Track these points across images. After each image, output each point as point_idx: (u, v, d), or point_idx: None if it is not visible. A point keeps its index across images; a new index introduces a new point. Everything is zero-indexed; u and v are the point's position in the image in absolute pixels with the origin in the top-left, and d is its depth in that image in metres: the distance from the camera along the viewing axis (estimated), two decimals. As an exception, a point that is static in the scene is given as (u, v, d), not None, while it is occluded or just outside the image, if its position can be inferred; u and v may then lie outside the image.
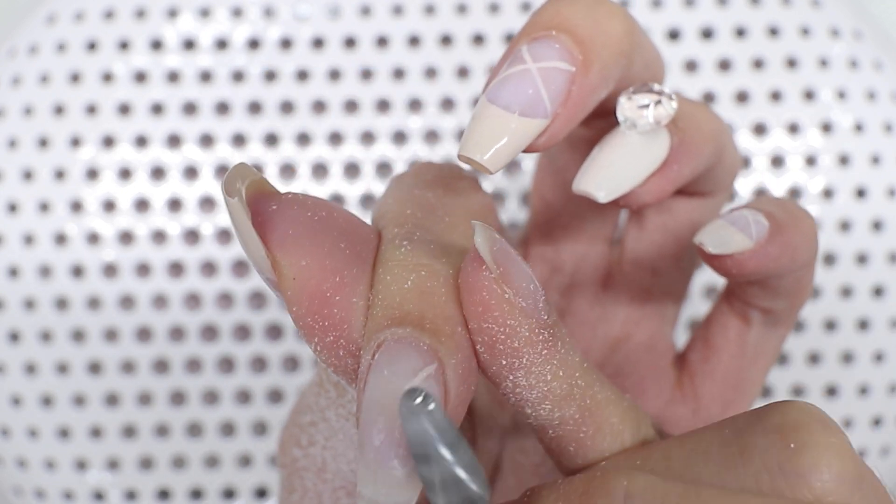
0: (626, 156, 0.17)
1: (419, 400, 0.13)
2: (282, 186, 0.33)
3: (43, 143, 0.33)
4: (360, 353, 0.15)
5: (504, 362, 0.15)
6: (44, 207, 0.32)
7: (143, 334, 0.33)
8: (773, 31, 0.33)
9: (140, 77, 0.33)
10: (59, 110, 0.33)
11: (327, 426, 0.18)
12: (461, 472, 0.13)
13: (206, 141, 0.33)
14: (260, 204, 0.15)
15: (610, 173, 0.17)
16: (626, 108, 0.18)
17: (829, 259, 0.33)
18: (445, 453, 0.13)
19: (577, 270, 0.23)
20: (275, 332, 0.33)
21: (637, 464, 0.16)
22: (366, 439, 0.13)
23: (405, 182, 0.18)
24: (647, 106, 0.18)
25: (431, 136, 0.33)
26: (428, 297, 0.15)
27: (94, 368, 0.33)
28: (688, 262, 0.22)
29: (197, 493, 0.33)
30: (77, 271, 0.32)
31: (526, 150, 0.16)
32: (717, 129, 0.19)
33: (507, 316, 0.14)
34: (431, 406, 0.13)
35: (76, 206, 0.32)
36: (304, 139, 0.33)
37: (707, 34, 0.33)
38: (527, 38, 0.16)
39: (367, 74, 0.33)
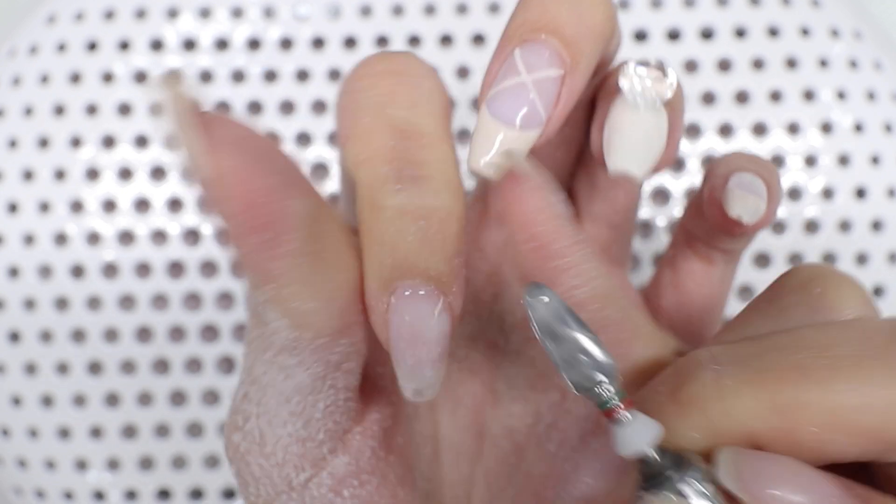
0: (648, 131, 0.19)
1: (539, 295, 0.15)
2: (282, 186, 0.33)
3: (43, 143, 0.33)
4: (292, 253, 0.15)
5: (555, 264, 0.17)
6: (44, 207, 0.32)
7: (143, 334, 0.33)
8: (773, 32, 0.33)
9: (140, 77, 0.33)
10: (59, 110, 0.33)
11: (257, 388, 0.18)
12: (587, 344, 0.15)
13: (207, 141, 0.33)
14: (194, 111, 0.15)
15: (640, 150, 0.19)
16: (635, 85, 0.19)
17: (829, 259, 0.33)
18: (569, 331, 0.15)
19: None
20: (275, 332, 0.33)
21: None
22: (400, 362, 0.16)
23: (363, 94, 0.18)
24: (653, 82, 0.19)
25: (431, 136, 0.33)
26: (429, 246, 0.16)
27: (95, 368, 0.33)
28: (635, 212, 0.24)
29: (197, 493, 0.33)
30: (77, 271, 0.32)
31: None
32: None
33: (552, 219, 0.16)
34: (547, 298, 0.15)
35: (76, 206, 0.32)
36: (304, 139, 0.33)
37: (707, 34, 0.33)
38: (518, 41, 0.18)
39: (367, 74, 0.33)
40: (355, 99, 0.18)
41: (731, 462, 0.15)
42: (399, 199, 0.16)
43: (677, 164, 0.33)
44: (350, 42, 0.34)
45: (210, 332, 0.33)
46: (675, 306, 0.23)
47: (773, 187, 0.20)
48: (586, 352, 0.15)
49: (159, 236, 0.33)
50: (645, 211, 0.33)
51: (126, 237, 0.33)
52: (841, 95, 0.33)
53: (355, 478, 0.19)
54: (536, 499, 0.21)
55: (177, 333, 0.33)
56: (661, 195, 0.33)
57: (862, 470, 0.16)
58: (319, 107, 0.33)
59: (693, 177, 0.33)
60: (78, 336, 0.32)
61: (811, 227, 0.33)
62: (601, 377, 0.15)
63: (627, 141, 0.19)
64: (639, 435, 0.15)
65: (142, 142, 0.33)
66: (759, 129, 0.33)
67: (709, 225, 0.22)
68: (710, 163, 0.23)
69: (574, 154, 0.22)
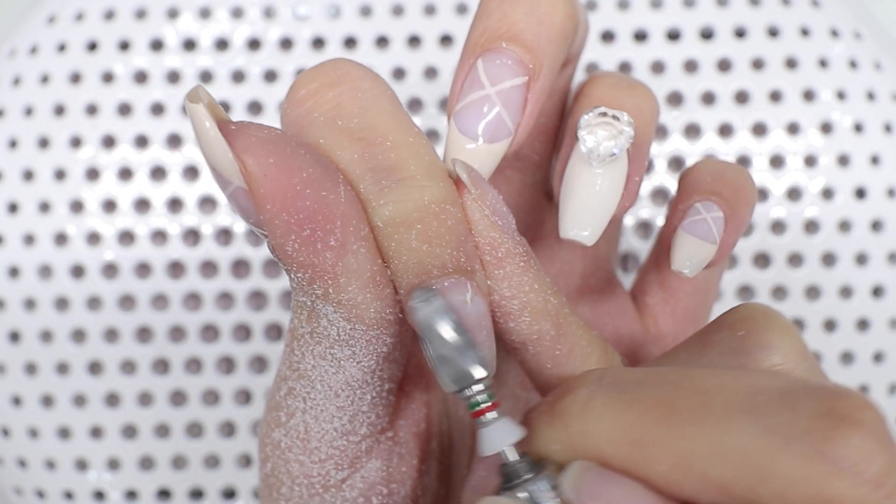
0: (599, 191, 0.19)
1: (423, 297, 0.15)
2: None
3: (43, 143, 0.33)
4: (338, 245, 0.16)
5: (493, 272, 0.17)
6: (44, 207, 0.32)
7: (143, 334, 0.33)
8: (773, 32, 0.33)
9: (140, 77, 0.33)
10: (59, 110, 0.33)
11: (305, 383, 0.18)
12: (462, 346, 0.16)
13: (207, 141, 0.33)
14: (221, 122, 0.15)
15: (591, 213, 0.19)
16: (588, 142, 0.19)
17: (829, 259, 0.33)
18: (447, 333, 0.16)
19: (526, 229, 0.23)
20: (275, 331, 0.33)
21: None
22: (426, 350, 0.16)
23: (309, 116, 0.18)
24: (607, 136, 0.19)
25: (431, 136, 0.33)
26: (437, 242, 0.16)
27: (95, 368, 0.33)
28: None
29: (197, 493, 0.33)
30: (77, 271, 0.32)
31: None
32: (649, 108, 0.20)
33: (489, 228, 0.17)
34: (430, 300, 0.15)
35: (76, 206, 0.32)
36: (304, 139, 0.33)
37: (707, 34, 0.33)
38: (480, 50, 0.18)
39: (367, 74, 0.33)
40: (303, 124, 0.17)
41: (576, 476, 0.15)
42: (388, 214, 0.16)
43: (677, 164, 0.33)
44: (350, 42, 0.34)
45: (210, 332, 0.33)
46: (660, 304, 0.24)
47: (733, 207, 0.20)
48: (461, 354, 0.16)
49: (159, 236, 0.33)
50: (644, 211, 0.33)
51: (126, 237, 0.33)
52: (841, 95, 0.33)
53: (384, 485, 0.19)
54: None
55: (177, 333, 0.33)
56: (661, 195, 0.33)
57: None
58: (319, 107, 0.33)
59: (693, 177, 0.33)
60: (78, 336, 0.33)
61: (811, 227, 0.33)
62: (471, 379, 0.16)
63: (580, 205, 0.19)
64: (499, 436, 0.16)
65: (142, 142, 0.33)
66: (759, 129, 0.33)
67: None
68: (682, 172, 0.22)
69: (552, 141, 0.23)
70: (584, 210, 0.19)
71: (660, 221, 0.33)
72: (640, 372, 0.16)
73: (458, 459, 0.22)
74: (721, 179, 0.21)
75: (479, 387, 0.16)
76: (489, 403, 0.16)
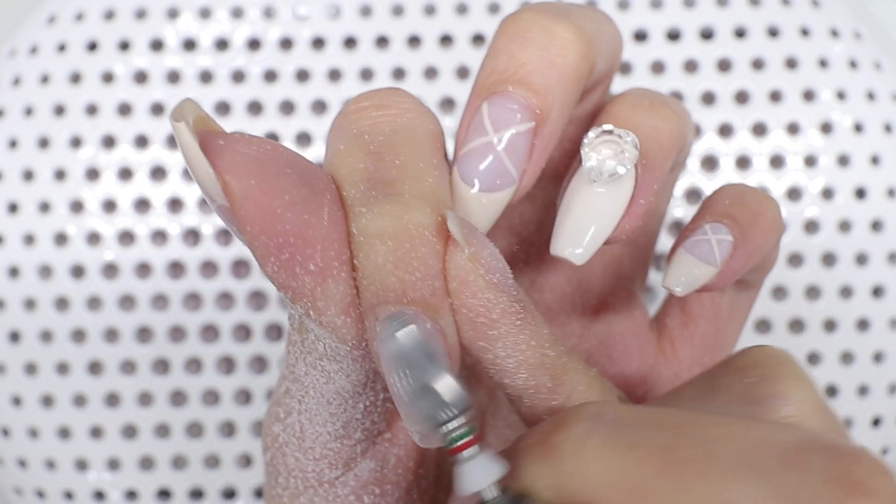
0: (597, 210, 0.18)
1: (394, 328, 0.15)
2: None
3: (43, 143, 0.33)
4: (317, 270, 0.15)
5: (486, 333, 0.16)
6: (44, 207, 0.32)
7: (143, 334, 0.33)
8: (773, 32, 0.33)
9: (140, 77, 0.33)
10: (59, 110, 0.33)
11: (299, 386, 0.18)
12: (436, 380, 0.14)
13: (207, 141, 0.33)
14: (207, 137, 0.15)
15: (583, 233, 0.18)
16: (591, 159, 0.18)
17: (829, 259, 0.33)
18: (420, 368, 0.14)
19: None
20: (275, 331, 0.33)
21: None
22: (392, 387, 0.15)
23: (346, 127, 0.18)
24: (611, 155, 0.18)
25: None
26: (403, 266, 0.15)
27: (95, 368, 0.33)
28: (656, 227, 0.23)
29: (197, 493, 0.33)
30: (77, 271, 0.32)
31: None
32: (669, 130, 0.19)
33: (484, 289, 0.16)
34: (400, 332, 0.14)
35: (76, 206, 0.32)
36: (304, 139, 0.33)
37: (707, 34, 0.33)
38: (486, 93, 0.17)
39: (367, 74, 0.33)
40: (337, 132, 0.17)
41: None
42: (363, 223, 0.16)
43: (677, 164, 0.33)
44: (350, 42, 0.34)
45: (210, 332, 0.33)
46: (679, 327, 0.23)
47: (746, 231, 0.19)
48: (433, 390, 0.14)
49: (159, 236, 0.33)
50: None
51: (126, 237, 0.33)
52: (841, 95, 0.33)
53: (378, 486, 0.19)
54: None
55: (177, 333, 0.33)
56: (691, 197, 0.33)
57: None
58: (319, 107, 0.33)
59: (693, 177, 0.33)
60: (78, 336, 0.33)
61: (811, 227, 0.33)
62: (446, 415, 0.15)
63: (574, 222, 0.18)
64: (479, 474, 0.15)
65: (142, 142, 0.33)
66: (759, 130, 0.33)
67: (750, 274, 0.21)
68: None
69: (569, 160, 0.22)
70: (577, 228, 0.18)
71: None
72: (642, 412, 0.15)
73: None
74: (740, 203, 0.20)
75: (455, 423, 0.15)
76: (470, 437, 0.15)
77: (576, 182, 0.18)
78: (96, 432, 0.33)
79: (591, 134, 0.18)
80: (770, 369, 0.16)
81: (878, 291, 0.33)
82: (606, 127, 0.18)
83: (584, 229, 0.18)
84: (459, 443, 0.15)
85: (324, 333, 0.16)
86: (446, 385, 0.15)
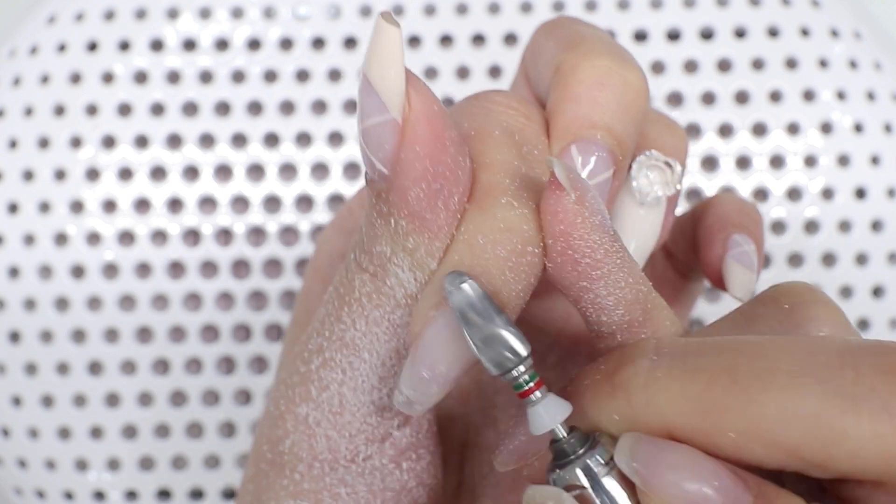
0: (646, 229, 0.20)
1: (458, 282, 0.15)
2: (282, 186, 0.33)
3: (43, 143, 0.33)
4: (455, 209, 0.16)
5: (591, 273, 0.17)
6: (44, 207, 0.32)
7: (143, 334, 0.33)
8: (773, 32, 0.33)
9: (140, 77, 0.33)
10: (59, 111, 0.33)
11: (348, 352, 0.17)
12: (501, 329, 0.15)
13: (207, 141, 0.33)
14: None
15: (633, 249, 0.20)
16: (642, 183, 0.20)
17: (829, 259, 0.33)
18: (484, 317, 0.15)
19: None
20: (275, 332, 0.33)
21: None
22: (416, 369, 0.16)
23: (494, 117, 0.19)
24: (660, 181, 0.20)
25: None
26: (513, 270, 0.16)
27: (95, 368, 0.33)
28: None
29: (197, 493, 0.33)
30: (77, 271, 0.32)
31: None
32: (684, 149, 0.22)
33: (590, 231, 0.16)
34: (466, 286, 0.15)
35: (76, 207, 0.32)
36: (304, 139, 0.33)
37: (707, 34, 0.33)
38: (572, 137, 0.19)
39: (367, 74, 0.33)
40: (484, 117, 0.18)
41: (629, 446, 0.15)
42: (509, 213, 0.16)
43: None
44: (350, 42, 0.34)
45: (210, 332, 0.33)
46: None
47: (759, 238, 0.22)
48: (501, 335, 0.15)
49: (159, 236, 0.33)
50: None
51: (126, 237, 0.33)
52: (841, 95, 0.33)
53: (414, 451, 0.19)
54: (513, 484, 0.21)
55: (177, 333, 0.33)
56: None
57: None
58: (319, 107, 0.33)
59: (693, 177, 0.33)
60: (78, 336, 0.33)
61: (811, 227, 0.33)
62: (515, 360, 0.15)
63: (630, 240, 0.20)
64: (548, 414, 0.16)
65: (142, 142, 0.33)
66: (759, 129, 0.33)
67: (698, 266, 0.23)
68: (701, 203, 0.24)
69: None
70: (634, 248, 0.20)
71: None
72: (698, 341, 0.16)
73: (478, 449, 0.22)
74: (747, 215, 0.23)
75: (523, 367, 0.16)
76: (534, 382, 0.16)
77: (623, 201, 0.20)
78: (96, 432, 0.33)
79: (642, 158, 0.20)
80: (803, 297, 0.17)
81: (878, 291, 0.33)
82: (659, 155, 0.20)
83: (633, 245, 0.20)
84: (526, 387, 0.16)
85: (410, 276, 0.16)
86: (508, 334, 0.15)
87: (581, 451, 0.16)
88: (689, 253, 0.24)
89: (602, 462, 0.16)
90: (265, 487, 0.19)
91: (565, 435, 0.16)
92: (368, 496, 0.19)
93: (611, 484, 0.15)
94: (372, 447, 0.18)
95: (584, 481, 0.16)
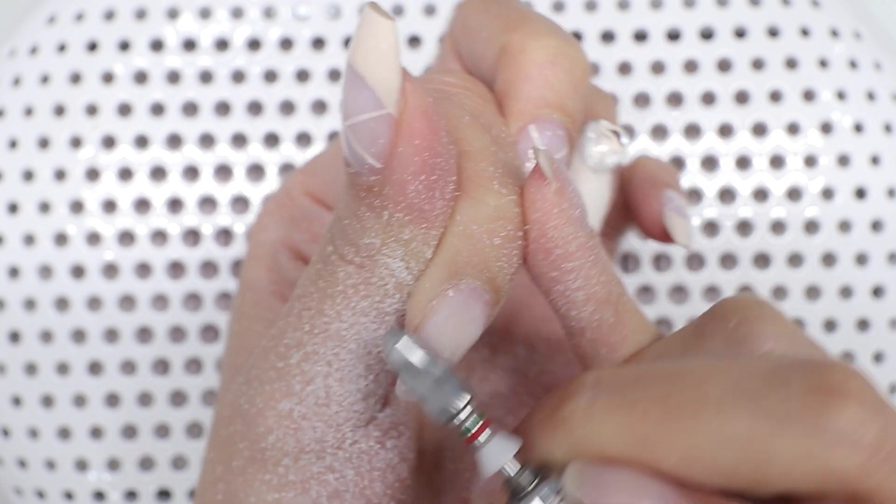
0: (601, 194, 0.21)
1: (395, 338, 0.16)
2: (282, 186, 0.33)
3: (43, 143, 0.33)
4: (451, 198, 0.16)
5: (561, 265, 0.17)
6: (44, 208, 0.32)
7: (143, 334, 0.33)
8: (773, 32, 0.33)
9: (140, 77, 0.33)
10: (59, 111, 0.33)
11: (333, 344, 0.17)
12: (442, 378, 0.16)
13: (207, 141, 0.33)
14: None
15: (590, 215, 0.20)
16: (595, 152, 0.21)
17: (829, 259, 0.33)
18: (424, 368, 0.16)
19: None
20: (275, 332, 0.33)
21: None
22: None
23: (457, 101, 0.19)
24: (610, 149, 0.21)
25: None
26: (506, 255, 0.17)
27: (95, 368, 0.33)
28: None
29: (197, 493, 0.33)
30: (77, 271, 0.32)
31: None
32: (612, 105, 0.24)
33: (566, 223, 0.17)
34: (402, 341, 0.16)
35: (76, 207, 0.32)
36: (304, 139, 0.33)
37: (707, 34, 0.33)
38: (529, 118, 0.19)
39: (367, 75, 0.33)
40: (450, 101, 0.18)
41: (576, 472, 0.16)
42: (500, 202, 0.17)
43: (676, 164, 0.33)
44: (350, 42, 0.33)
45: (210, 332, 0.33)
46: None
47: (685, 197, 0.24)
48: (440, 390, 0.16)
49: (159, 236, 0.33)
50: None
51: (126, 237, 0.33)
52: (841, 95, 0.33)
53: (395, 428, 0.19)
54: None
55: (177, 333, 0.33)
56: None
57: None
58: (319, 107, 0.33)
59: (693, 177, 0.33)
60: (78, 336, 0.33)
61: (811, 227, 0.33)
62: (452, 411, 0.16)
63: (587, 206, 0.20)
64: (494, 455, 0.16)
65: (142, 142, 0.33)
66: (759, 130, 0.33)
67: (639, 230, 0.25)
68: (628, 167, 0.26)
69: None
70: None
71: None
72: (635, 371, 0.17)
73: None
74: (665, 170, 0.25)
75: (463, 415, 0.16)
76: (479, 425, 0.16)
77: (575, 171, 0.21)
78: (96, 432, 0.33)
79: (592, 127, 0.21)
80: (747, 312, 0.18)
81: (878, 291, 0.33)
82: (608, 125, 0.21)
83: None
84: (472, 431, 0.16)
85: (402, 266, 0.16)
86: (447, 386, 0.16)
87: (532, 487, 0.16)
88: (613, 214, 0.25)
89: (554, 491, 0.16)
90: (243, 484, 0.19)
91: (515, 472, 0.16)
92: (356, 478, 0.19)
93: None
94: (358, 432, 0.18)
95: None
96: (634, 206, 0.24)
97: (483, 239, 0.16)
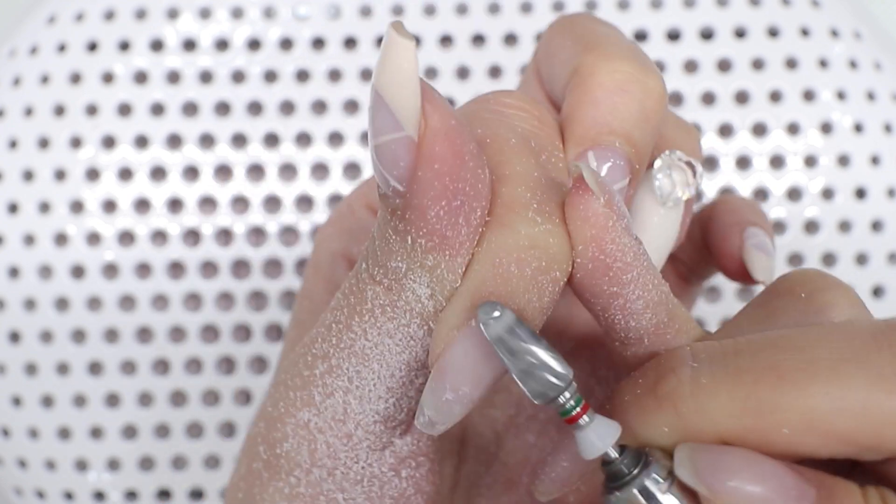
0: (667, 230, 0.20)
1: (491, 312, 0.15)
2: (282, 187, 0.33)
3: (43, 143, 0.33)
4: (476, 224, 0.16)
5: (621, 278, 0.16)
6: (44, 208, 0.32)
7: (143, 334, 0.33)
8: (773, 32, 0.33)
9: (140, 77, 0.33)
10: (59, 111, 0.33)
11: (356, 361, 0.17)
12: (543, 355, 0.15)
13: (207, 141, 0.33)
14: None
15: (654, 250, 0.20)
16: (664, 184, 0.20)
17: (829, 259, 0.33)
18: (523, 344, 0.15)
19: None
20: (275, 332, 0.33)
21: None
22: (439, 390, 0.15)
23: (508, 121, 0.18)
24: (681, 181, 0.20)
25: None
26: (536, 289, 0.16)
27: (95, 368, 0.33)
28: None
29: (197, 493, 0.33)
30: (77, 271, 0.32)
31: None
32: (700, 148, 0.22)
33: (620, 235, 0.16)
34: (498, 314, 0.15)
35: (76, 207, 0.32)
36: (304, 139, 0.33)
37: (707, 34, 0.33)
38: (590, 143, 0.18)
39: (366, 74, 0.33)
40: (498, 121, 0.18)
41: (688, 457, 0.15)
42: (533, 230, 0.16)
43: (677, 165, 0.33)
44: (350, 42, 0.34)
45: (210, 332, 0.33)
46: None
47: (771, 235, 0.23)
48: (543, 363, 0.15)
49: (159, 236, 0.33)
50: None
51: (126, 237, 0.33)
52: (841, 95, 0.33)
53: (414, 459, 0.19)
54: (509, 485, 0.21)
55: (177, 333, 0.33)
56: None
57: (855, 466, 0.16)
58: (319, 107, 0.33)
59: (693, 177, 0.33)
60: (78, 336, 0.32)
61: (811, 227, 0.33)
62: (559, 386, 0.15)
63: (651, 240, 0.20)
64: (598, 437, 0.16)
65: (142, 142, 0.33)
66: (759, 130, 0.33)
67: (717, 268, 0.24)
68: (711, 206, 0.25)
69: None
70: (654, 247, 0.20)
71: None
72: (732, 342, 0.16)
73: (475, 449, 0.22)
74: (756, 212, 0.24)
75: (568, 394, 0.15)
76: (580, 406, 0.15)
77: (643, 206, 0.20)
78: (96, 432, 0.33)
79: (664, 158, 0.20)
80: (817, 283, 0.18)
81: (878, 291, 0.33)
82: (682, 155, 0.20)
83: (659, 246, 0.20)
84: (573, 412, 0.15)
85: (428, 291, 0.16)
86: (549, 362, 0.15)
87: (636, 471, 0.16)
88: (694, 255, 0.24)
89: (660, 479, 0.16)
90: (259, 488, 0.19)
91: (618, 456, 0.16)
92: (366, 503, 0.18)
93: (670, 500, 0.15)
94: (373, 455, 0.18)
95: (643, 501, 0.16)
96: (715, 245, 0.23)
97: (511, 269, 0.15)
